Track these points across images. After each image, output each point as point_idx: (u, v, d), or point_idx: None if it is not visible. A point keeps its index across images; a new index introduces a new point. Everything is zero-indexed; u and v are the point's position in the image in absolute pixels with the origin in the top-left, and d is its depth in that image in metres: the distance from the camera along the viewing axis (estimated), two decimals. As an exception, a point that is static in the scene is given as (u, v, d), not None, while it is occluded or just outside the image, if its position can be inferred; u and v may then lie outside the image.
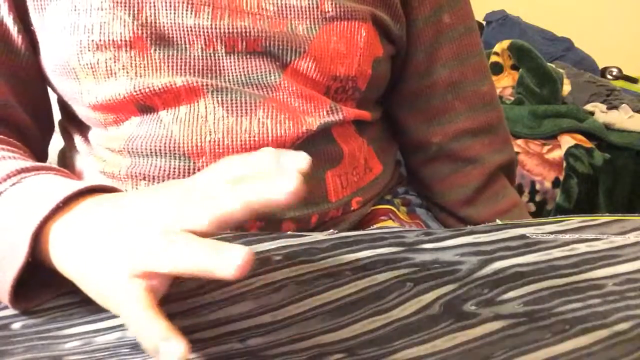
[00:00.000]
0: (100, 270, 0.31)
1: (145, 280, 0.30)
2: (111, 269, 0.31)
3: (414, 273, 0.39)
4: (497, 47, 1.76)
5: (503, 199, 0.64)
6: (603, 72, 2.14)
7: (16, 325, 0.34)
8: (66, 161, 0.61)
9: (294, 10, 0.50)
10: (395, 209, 0.62)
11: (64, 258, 0.34)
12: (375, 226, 0.59)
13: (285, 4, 0.50)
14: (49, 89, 0.57)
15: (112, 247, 0.31)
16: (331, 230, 0.45)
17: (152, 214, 0.31)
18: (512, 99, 1.60)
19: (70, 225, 0.34)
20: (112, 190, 0.38)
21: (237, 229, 0.48)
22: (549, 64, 1.68)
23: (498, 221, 0.47)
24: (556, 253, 0.42)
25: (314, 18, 0.50)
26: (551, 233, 0.45)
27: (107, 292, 0.31)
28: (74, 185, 0.36)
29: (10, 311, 0.35)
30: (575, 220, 0.47)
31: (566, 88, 1.64)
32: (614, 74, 2.14)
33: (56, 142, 0.63)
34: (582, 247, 0.43)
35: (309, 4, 0.50)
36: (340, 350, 0.32)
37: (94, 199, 0.36)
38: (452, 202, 0.65)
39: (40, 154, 0.58)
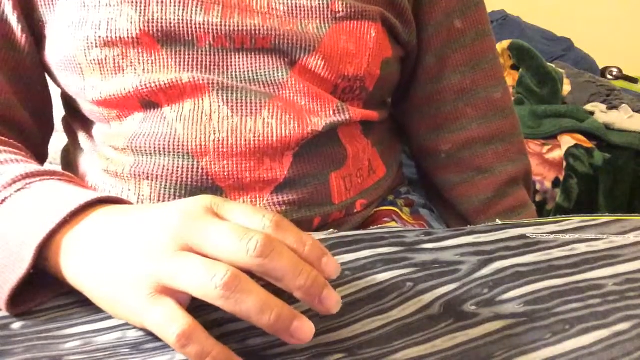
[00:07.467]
0: (118, 275, 0.32)
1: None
2: (131, 272, 0.31)
3: (414, 273, 0.39)
4: (497, 47, 1.75)
5: (519, 217, 0.62)
6: (603, 72, 2.13)
7: (16, 325, 0.34)
8: (69, 159, 0.61)
9: (304, 10, 0.50)
10: (398, 210, 0.62)
11: (77, 269, 0.34)
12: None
13: (296, 3, 0.50)
14: (51, 89, 0.57)
15: (128, 252, 0.32)
16: (331, 230, 0.45)
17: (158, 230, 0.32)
18: (512, 99, 1.60)
19: (80, 238, 0.35)
20: (117, 201, 0.38)
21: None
22: (549, 64, 1.68)
23: (498, 221, 0.47)
24: (556, 253, 0.42)
25: (324, 17, 0.50)
26: (551, 233, 0.45)
27: (124, 294, 0.32)
28: (81, 198, 0.36)
29: (10, 311, 0.35)
30: (575, 220, 0.47)
31: (566, 88, 1.64)
32: (614, 74, 2.13)
33: (56, 142, 0.63)
34: (582, 247, 0.43)
35: (319, 3, 0.50)
36: (340, 350, 0.32)
37: (102, 210, 0.36)
38: (464, 212, 0.64)
39: (39, 154, 0.58)
